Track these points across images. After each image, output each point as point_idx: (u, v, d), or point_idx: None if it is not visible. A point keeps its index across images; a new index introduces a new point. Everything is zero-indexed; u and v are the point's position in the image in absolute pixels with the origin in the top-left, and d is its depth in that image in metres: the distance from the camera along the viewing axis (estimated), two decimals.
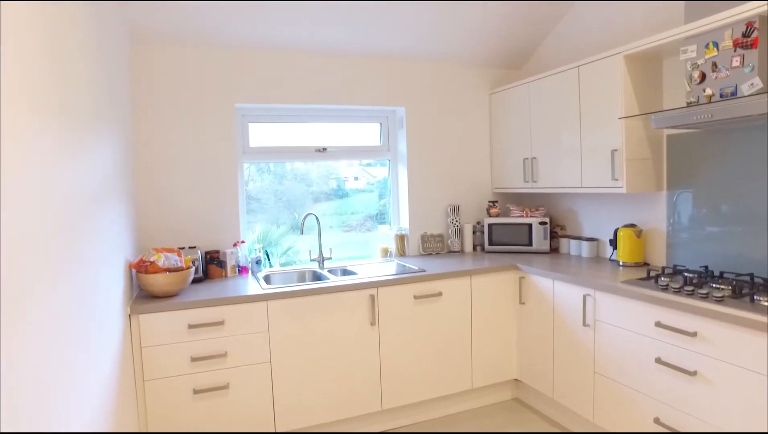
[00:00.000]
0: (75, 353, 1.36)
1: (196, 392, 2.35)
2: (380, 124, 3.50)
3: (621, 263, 2.75)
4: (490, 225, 3.41)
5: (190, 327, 2.33)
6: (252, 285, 2.62)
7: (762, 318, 1.68)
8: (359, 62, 3.25)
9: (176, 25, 2.67)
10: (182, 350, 2.33)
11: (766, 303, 1.81)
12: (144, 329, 2.28)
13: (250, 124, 3.13)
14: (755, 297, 1.87)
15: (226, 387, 2.40)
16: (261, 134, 3.19)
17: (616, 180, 2.58)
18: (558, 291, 2.65)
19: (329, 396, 2.59)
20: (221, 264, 2.83)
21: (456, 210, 3.48)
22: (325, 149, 3.30)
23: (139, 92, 2.79)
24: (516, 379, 3.05)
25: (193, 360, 2.34)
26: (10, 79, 0.95)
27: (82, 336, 1.45)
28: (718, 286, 2.08)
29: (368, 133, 3.49)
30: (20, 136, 1.00)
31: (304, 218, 2.97)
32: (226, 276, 2.85)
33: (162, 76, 2.83)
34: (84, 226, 1.53)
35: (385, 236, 3.49)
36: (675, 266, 2.48)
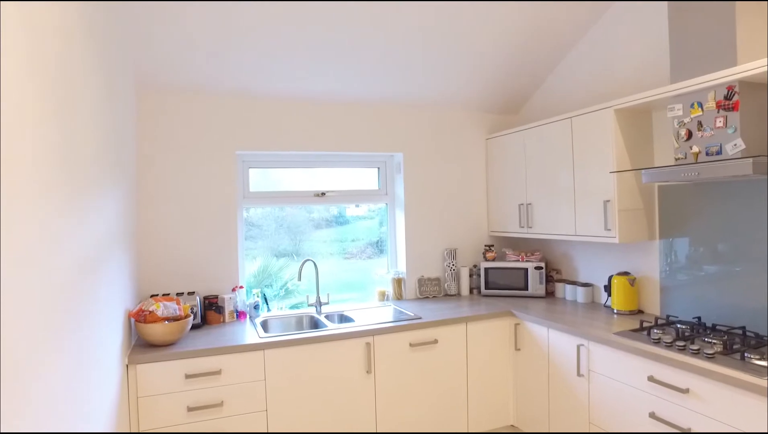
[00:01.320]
0: (79, 409, 1.38)
1: None
2: (378, 168, 3.57)
3: (615, 311, 2.77)
4: (486, 269, 3.44)
5: (187, 376, 2.34)
6: (250, 333, 2.64)
7: (753, 380, 1.70)
8: (357, 110, 3.34)
9: (180, 75, 2.76)
10: (179, 400, 2.33)
11: (757, 362, 1.83)
12: (141, 379, 2.29)
13: (250, 169, 3.20)
14: (746, 355, 1.88)
15: None
16: (261, 177, 3.25)
17: (609, 230, 2.62)
18: (553, 340, 2.66)
19: None
20: (219, 309, 2.85)
21: (453, 253, 3.52)
22: (324, 193, 3.36)
23: (141, 140, 2.87)
24: (512, 425, 3.03)
25: (190, 409, 2.34)
26: (14, 147, 1.00)
27: (84, 391, 1.47)
28: (709, 341, 2.09)
29: (366, 177, 3.56)
30: (25, 207, 1.04)
31: (302, 265, 3.01)
32: (224, 321, 2.87)
33: (164, 124, 2.91)
34: (87, 285, 1.57)
35: (383, 279, 3.52)
36: (668, 316, 2.50)
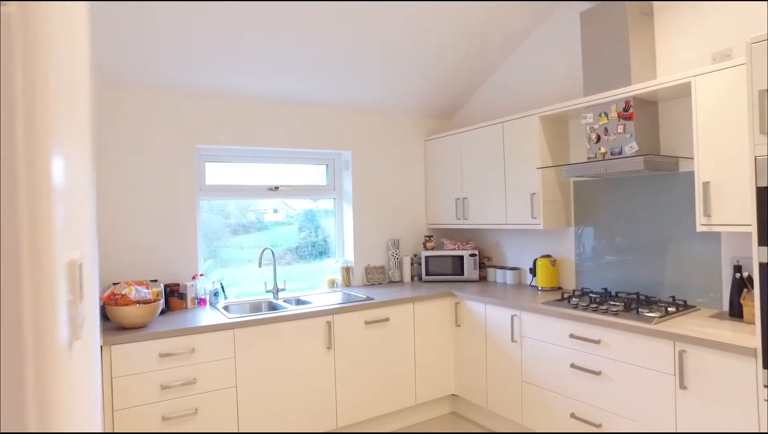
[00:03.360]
0: (88, 393, 1.63)
1: (164, 419, 2.58)
2: (327, 165, 3.96)
3: (540, 288, 3.39)
4: (426, 258, 3.95)
5: (161, 356, 2.57)
6: (216, 315, 2.91)
7: (644, 325, 2.33)
8: (310, 110, 3.71)
9: (142, 71, 2.97)
10: (153, 378, 2.56)
11: (647, 314, 2.47)
12: (116, 360, 2.49)
13: (207, 163, 3.45)
14: (639, 310, 2.53)
15: (194, 412, 2.65)
16: (215, 172, 3.51)
17: (535, 218, 3.23)
18: (489, 314, 3.21)
19: (290, 417, 2.91)
20: (182, 296, 3.08)
21: (396, 244, 3.99)
22: (277, 188, 3.69)
23: (100, 131, 3.03)
24: (453, 394, 3.55)
25: (163, 388, 2.58)
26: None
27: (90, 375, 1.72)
28: (614, 303, 2.74)
29: (314, 173, 3.93)
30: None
31: (262, 252, 3.32)
32: (186, 307, 3.10)
33: (124, 117, 3.09)
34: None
35: (331, 268, 3.90)
36: (582, 289, 3.15)
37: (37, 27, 0.38)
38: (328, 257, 3.98)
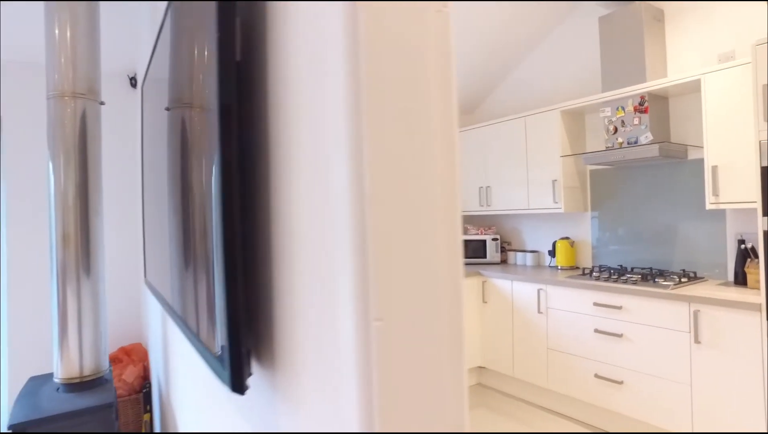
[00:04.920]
0: None
1: None
2: None
3: (559, 267, 3.75)
4: None
5: None
6: None
7: (659, 291, 2.70)
8: None
9: None
10: None
11: (662, 283, 2.85)
12: None
13: None
14: (655, 280, 2.91)
15: None
16: None
17: (556, 202, 3.59)
18: (516, 289, 3.57)
19: None
20: None
21: None
22: None
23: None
24: (480, 366, 3.91)
25: None
26: None
27: None
28: (632, 276, 3.11)
29: None
30: None
31: None
32: None
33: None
34: None
35: None
36: (600, 265, 3.52)
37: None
38: None
